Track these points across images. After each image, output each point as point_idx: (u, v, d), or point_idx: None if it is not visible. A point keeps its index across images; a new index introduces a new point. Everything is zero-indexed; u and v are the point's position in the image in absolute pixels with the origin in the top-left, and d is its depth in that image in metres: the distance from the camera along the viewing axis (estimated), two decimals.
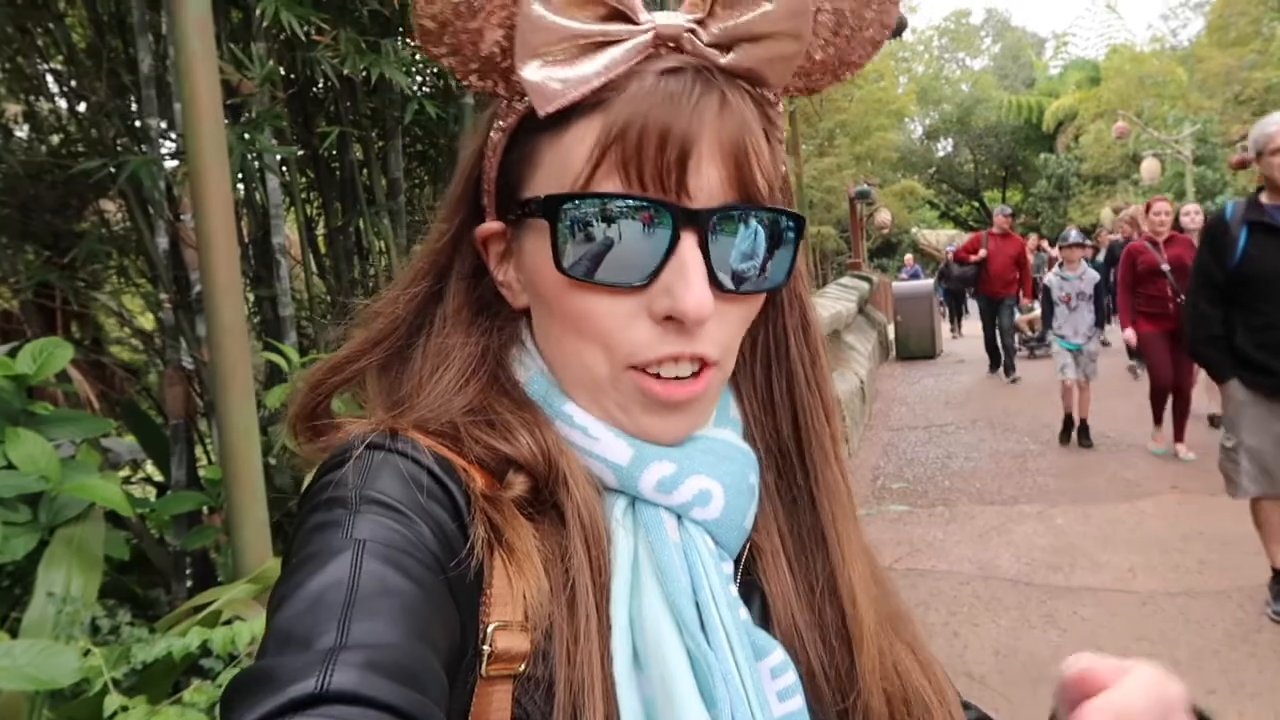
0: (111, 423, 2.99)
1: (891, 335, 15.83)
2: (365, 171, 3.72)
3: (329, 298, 3.88)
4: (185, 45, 2.12)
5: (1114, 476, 6.86)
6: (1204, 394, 7.25)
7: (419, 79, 3.70)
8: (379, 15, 3.15)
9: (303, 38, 2.73)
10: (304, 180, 3.95)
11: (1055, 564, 5.14)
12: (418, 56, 3.18)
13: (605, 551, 0.64)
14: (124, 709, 1.56)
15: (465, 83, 0.69)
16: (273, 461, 2.76)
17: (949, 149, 42.29)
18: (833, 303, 10.15)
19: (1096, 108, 27.23)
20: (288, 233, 3.51)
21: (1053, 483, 6.86)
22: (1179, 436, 7.22)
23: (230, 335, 2.18)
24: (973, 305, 16.46)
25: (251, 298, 3.42)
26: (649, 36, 0.62)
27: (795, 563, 0.74)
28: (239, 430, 2.18)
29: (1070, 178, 31.15)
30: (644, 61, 0.62)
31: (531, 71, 0.62)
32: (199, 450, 3.30)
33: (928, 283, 16.88)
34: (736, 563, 0.72)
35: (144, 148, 2.94)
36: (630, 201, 0.61)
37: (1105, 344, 10.14)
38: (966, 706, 0.81)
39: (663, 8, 0.66)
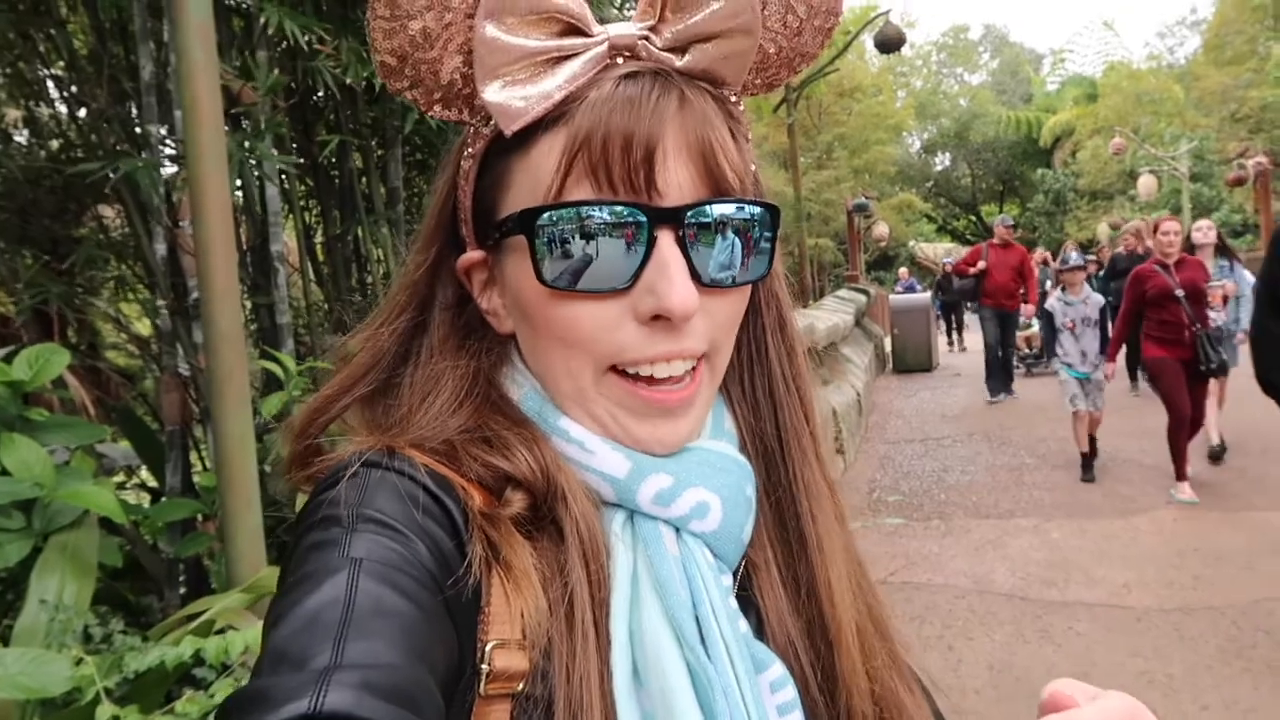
0: (107, 429, 2.98)
1: (888, 348, 15.86)
2: (364, 180, 3.73)
3: (326, 306, 3.87)
4: (187, 53, 2.12)
5: (1110, 491, 6.86)
6: (1212, 426, 7.13)
7: None
8: None
9: (304, 47, 2.74)
10: (303, 188, 3.95)
11: (1050, 579, 5.13)
12: None
13: (604, 566, 0.64)
14: (116, 718, 1.55)
15: (430, 114, 0.70)
16: (268, 469, 2.75)
17: (947, 163, 42.49)
18: (830, 315, 10.16)
19: (1094, 124, 27.43)
20: (286, 240, 3.51)
21: (1048, 497, 6.86)
22: (1181, 474, 6.50)
23: (227, 342, 2.18)
24: (970, 319, 16.44)
25: (249, 305, 3.41)
26: (604, 48, 0.63)
27: (784, 570, 0.74)
28: (234, 438, 2.17)
29: (1067, 193, 31.31)
30: (602, 71, 0.63)
31: (493, 93, 0.63)
32: (194, 457, 3.29)
33: (924, 296, 16.92)
34: (734, 577, 0.71)
35: (144, 154, 2.94)
36: (603, 206, 0.62)
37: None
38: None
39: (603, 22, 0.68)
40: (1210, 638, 4.21)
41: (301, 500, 0.67)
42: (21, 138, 3.80)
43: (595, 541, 0.64)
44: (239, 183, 3.11)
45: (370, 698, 0.45)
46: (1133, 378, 10.71)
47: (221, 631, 1.85)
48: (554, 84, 0.63)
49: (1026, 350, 13.50)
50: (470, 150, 0.70)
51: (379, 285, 3.77)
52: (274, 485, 2.86)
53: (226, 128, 2.30)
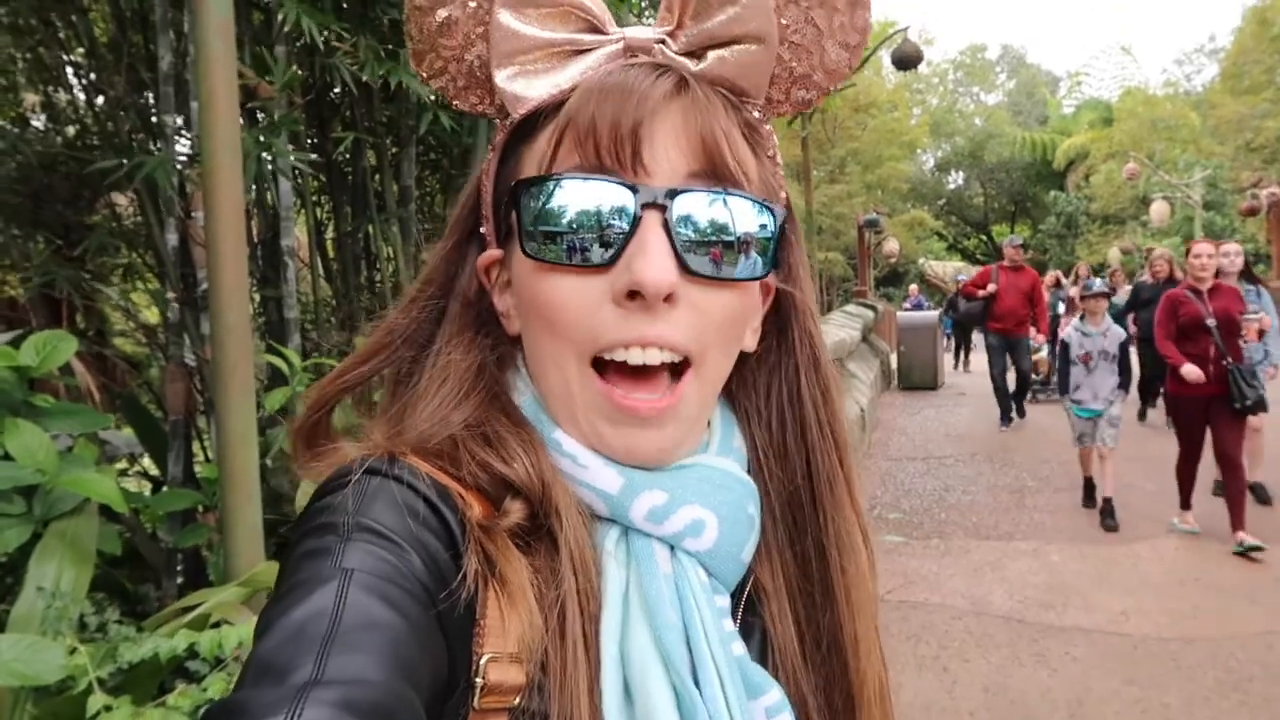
0: (110, 417, 2.99)
1: (894, 365, 15.82)
2: (378, 178, 3.74)
3: (335, 302, 3.88)
4: (206, 47, 2.13)
5: None
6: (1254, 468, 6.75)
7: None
8: (399, 24, 3.17)
9: (320, 45, 2.75)
10: (316, 184, 3.97)
11: (1048, 602, 5.11)
12: None
13: (594, 582, 0.63)
14: (108, 709, 1.55)
15: (456, 104, 0.70)
16: (270, 463, 2.75)
17: (960, 182, 42.43)
18: (837, 330, 10.16)
19: (1108, 148, 27.41)
20: (297, 235, 3.52)
21: (1049, 520, 6.83)
22: (1238, 524, 5.78)
23: (234, 335, 2.18)
24: (978, 338, 16.30)
25: (257, 298, 3.42)
26: (619, 45, 0.64)
27: (803, 609, 0.73)
28: (236, 432, 2.17)
29: (1079, 216, 31.24)
30: (613, 65, 0.64)
31: (505, 78, 0.64)
32: (197, 447, 3.30)
33: (932, 314, 16.86)
34: (739, 598, 0.71)
35: (159, 143, 2.95)
36: (587, 178, 0.62)
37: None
38: None
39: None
40: (1208, 669, 4.18)
41: (303, 498, 0.67)
42: (39, 123, 3.82)
43: (584, 556, 0.63)
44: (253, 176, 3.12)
45: (348, 716, 0.44)
46: (1143, 407, 10.52)
47: (216, 625, 1.85)
48: (565, 76, 0.64)
49: (1035, 375, 13.19)
50: (492, 144, 0.70)
51: (387, 283, 3.78)
52: (275, 480, 2.87)
53: (242, 122, 2.31)
